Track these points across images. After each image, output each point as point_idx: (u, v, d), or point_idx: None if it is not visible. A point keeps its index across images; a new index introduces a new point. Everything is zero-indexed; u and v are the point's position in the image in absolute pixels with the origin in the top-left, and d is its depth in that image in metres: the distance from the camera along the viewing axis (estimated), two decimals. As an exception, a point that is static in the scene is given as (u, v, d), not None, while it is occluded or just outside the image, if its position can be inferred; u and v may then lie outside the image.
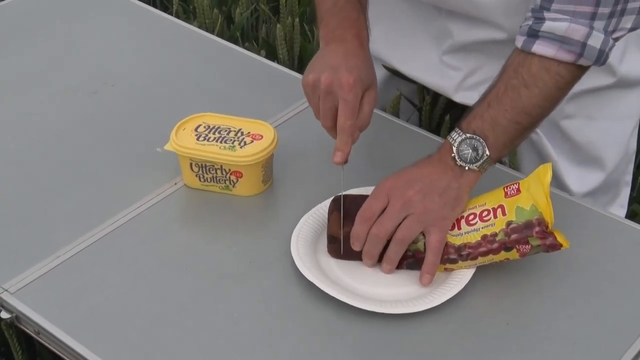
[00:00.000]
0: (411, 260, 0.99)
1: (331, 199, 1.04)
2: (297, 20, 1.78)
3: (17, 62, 1.35)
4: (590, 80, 1.17)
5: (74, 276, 1.01)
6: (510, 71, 0.99)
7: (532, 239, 0.94)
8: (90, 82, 1.30)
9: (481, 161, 0.98)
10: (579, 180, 1.18)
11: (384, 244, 0.98)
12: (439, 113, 1.43)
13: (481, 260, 0.97)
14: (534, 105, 0.98)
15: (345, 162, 1.02)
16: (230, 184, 1.09)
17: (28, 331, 0.98)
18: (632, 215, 1.58)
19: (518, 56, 0.99)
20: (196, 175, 1.10)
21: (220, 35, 1.66)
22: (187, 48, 1.39)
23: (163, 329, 0.95)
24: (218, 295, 0.99)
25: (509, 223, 0.95)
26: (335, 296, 0.96)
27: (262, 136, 1.10)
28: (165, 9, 1.97)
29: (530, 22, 0.98)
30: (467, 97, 1.24)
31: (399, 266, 0.99)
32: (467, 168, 0.98)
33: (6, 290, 0.98)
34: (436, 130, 1.38)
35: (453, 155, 0.98)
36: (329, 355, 0.93)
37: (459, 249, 0.97)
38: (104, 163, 1.16)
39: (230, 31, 1.86)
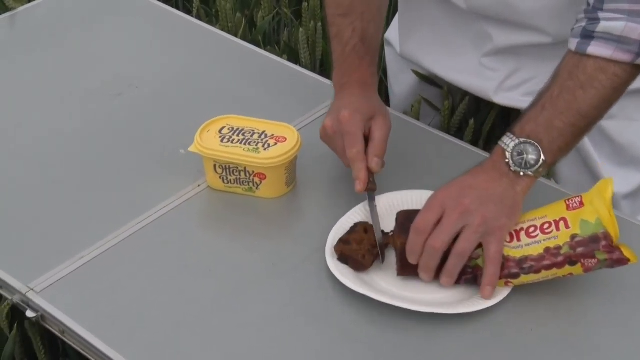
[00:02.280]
0: (470, 276, 0.96)
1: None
2: (319, 24, 1.78)
3: (42, 64, 1.36)
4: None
5: (98, 276, 1.01)
6: (564, 74, 0.97)
7: (599, 252, 0.92)
8: (115, 84, 1.31)
9: (537, 166, 0.96)
10: (620, 181, 1.16)
11: (441, 256, 0.95)
12: (458, 118, 1.43)
13: (544, 275, 0.94)
14: (590, 106, 0.96)
15: (370, 189, 1.05)
16: (253, 185, 1.10)
17: (53, 330, 0.99)
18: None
19: (572, 58, 0.97)
20: (220, 177, 1.10)
21: (243, 38, 1.66)
22: (210, 51, 1.40)
23: (186, 330, 0.95)
24: (241, 298, 0.99)
25: (573, 236, 0.92)
26: (366, 293, 0.95)
27: (285, 138, 1.10)
28: (188, 12, 1.97)
29: (583, 24, 0.97)
30: (507, 98, 1.23)
31: (457, 281, 0.97)
32: (522, 174, 0.96)
33: (32, 290, 0.99)
34: (458, 135, 1.37)
35: (507, 161, 0.96)
36: (353, 359, 0.93)
37: (520, 262, 0.94)
38: (128, 165, 1.17)
39: (253, 35, 1.86)
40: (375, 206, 1.05)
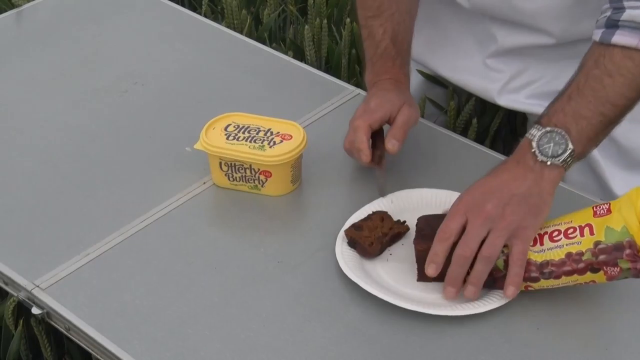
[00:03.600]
0: (489, 278, 0.95)
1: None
2: (325, 21, 1.78)
3: (47, 62, 1.36)
4: None
5: (104, 274, 1.01)
6: (590, 63, 0.96)
7: (622, 261, 0.90)
8: (120, 82, 1.31)
9: (564, 155, 0.93)
10: (625, 184, 1.16)
11: (470, 264, 0.93)
12: (464, 119, 1.43)
13: (565, 281, 0.93)
14: (619, 94, 0.94)
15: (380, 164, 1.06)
16: (259, 183, 1.10)
17: (58, 327, 0.99)
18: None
19: (597, 48, 0.96)
20: (225, 175, 1.10)
21: (248, 36, 1.66)
22: (216, 48, 1.40)
23: (191, 327, 0.95)
24: (246, 295, 0.99)
25: (597, 243, 0.90)
26: (376, 294, 0.95)
27: (291, 136, 1.10)
28: (194, 9, 1.98)
29: (608, 13, 0.96)
30: (511, 100, 1.23)
31: None
32: (549, 163, 0.93)
33: (37, 287, 0.99)
34: (463, 135, 1.37)
35: (533, 150, 0.93)
36: (359, 357, 0.93)
37: (541, 266, 0.93)
38: (133, 162, 1.17)
39: (258, 32, 1.86)
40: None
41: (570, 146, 0.93)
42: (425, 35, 1.26)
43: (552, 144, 0.93)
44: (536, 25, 1.14)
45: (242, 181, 1.10)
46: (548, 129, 0.93)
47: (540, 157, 0.93)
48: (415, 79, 1.36)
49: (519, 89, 1.22)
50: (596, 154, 1.20)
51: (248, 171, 1.09)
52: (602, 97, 0.94)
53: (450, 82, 1.30)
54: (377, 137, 1.11)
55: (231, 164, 1.09)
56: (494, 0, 1.14)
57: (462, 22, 1.22)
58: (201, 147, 1.10)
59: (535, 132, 0.94)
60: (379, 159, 1.09)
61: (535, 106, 1.21)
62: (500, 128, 1.52)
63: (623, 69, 0.94)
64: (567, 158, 0.93)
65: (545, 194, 0.94)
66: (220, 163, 1.10)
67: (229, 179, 1.11)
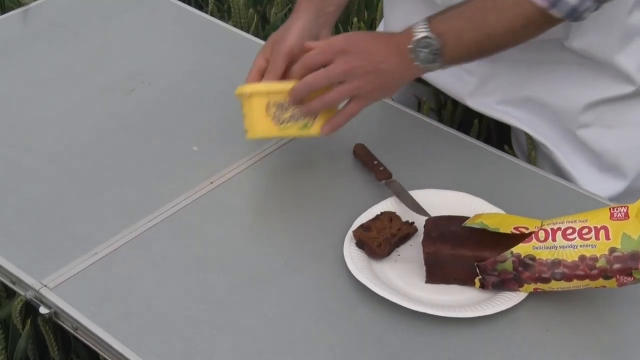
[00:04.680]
0: (496, 280, 0.95)
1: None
2: (331, 20, 1.77)
3: (54, 60, 1.36)
4: (609, 89, 1.16)
5: (111, 273, 1.01)
6: None
7: (637, 272, 0.90)
8: (127, 81, 1.31)
9: (430, 64, 1.03)
10: (599, 188, 1.16)
11: (310, 92, 1.03)
12: (458, 119, 1.42)
13: (576, 284, 0.92)
14: (498, 32, 1.03)
15: (387, 177, 1.10)
16: (309, 120, 1.06)
17: (66, 327, 0.99)
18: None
19: None
20: (273, 118, 1.06)
21: (255, 35, 1.66)
22: (223, 47, 1.39)
23: (198, 327, 0.95)
24: (253, 295, 0.99)
25: (612, 250, 0.90)
26: (384, 295, 0.95)
27: None
28: (200, 7, 1.97)
29: None
30: (481, 104, 1.23)
31: (486, 287, 0.96)
32: (415, 63, 1.02)
33: (45, 286, 0.99)
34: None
35: (410, 47, 1.02)
36: (367, 358, 0.93)
37: (552, 265, 0.92)
38: (140, 161, 1.17)
39: (265, 31, 1.86)
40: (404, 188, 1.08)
41: (440, 59, 1.03)
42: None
43: (426, 51, 1.02)
44: None
45: (292, 121, 1.06)
46: (430, 35, 1.02)
47: (411, 55, 1.02)
48: None
49: (489, 93, 1.22)
50: (564, 162, 1.20)
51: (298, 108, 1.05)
52: (485, 30, 1.03)
53: (425, 81, 1.30)
54: (366, 156, 1.12)
55: (281, 104, 1.05)
56: None
57: None
58: (249, 90, 1.06)
59: (419, 30, 1.02)
60: (385, 174, 1.09)
61: (504, 115, 1.22)
62: (490, 131, 1.51)
63: (508, 13, 1.02)
64: (432, 66, 1.03)
65: (400, 82, 1.07)
66: (268, 104, 1.05)
67: (277, 121, 1.06)
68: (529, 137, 1.23)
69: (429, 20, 1.03)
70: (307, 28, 1.10)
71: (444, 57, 1.02)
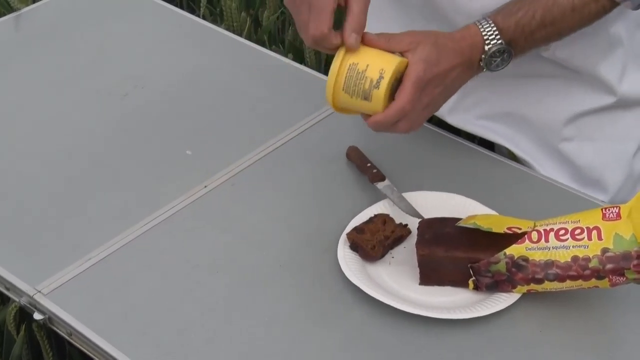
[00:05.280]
0: (490, 281, 0.95)
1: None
2: (324, 23, 1.77)
3: (46, 66, 1.36)
4: (590, 101, 1.16)
5: (106, 278, 1.01)
6: None
7: (629, 272, 0.90)
8: (121, 85, 1.31)
9: (500, 68, 1.01)
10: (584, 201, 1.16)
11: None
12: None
13: (569, 285, 0.92)
14: (570, 29, 1.02)
15: (380, 180, 1.08)
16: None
17: (60, 332, 0.99)
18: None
19: None
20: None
21: (248, 38, 1.66)
22: (215, 50, 1.39)
23: (194, 332, 0.95)
24: (249, 299, 0.99)
25: (604, 250, 0.90)
26: (378, 297, 0.95)
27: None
28: (192, 11, 1.97)
29: None
30: (461, 120, 1.21)
31: (479, 289, 0.96)
32: (484, 70, 1.01)
33: (39, 292, 0.99)
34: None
35: (483, 57, 1.00)
36: None
37: (545, 265, 0.92)
38: (134, 165, 1.17)
39: (258, 34, 1.86)
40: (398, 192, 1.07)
41: (508, 63, 1.01)
42: None
43: (499, 60, 1.00)
44: None
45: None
46: (504, 46, 0.99)
47: (482, 64, 1.00)
48: None
49: (469, 108, 1.20)
50: (550, 173, 1.19)
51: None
52: (557, 28, 1.02)
53: None
54: (359, 159, 1.12)
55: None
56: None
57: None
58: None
59: (493, 41, 0.99)
60: (378, 176, 1.09)
61: (485, 130, 1.21)
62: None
63: (586, 8, 1.01)
64: (499, 69, 1.02)
65: (463, 85, 1.03)
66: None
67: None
68: (510, 153, 1.22)
69: (497, 24, 0.99)
70: None
71: (514, 59, 1.02)
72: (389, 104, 0.97)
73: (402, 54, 0.97)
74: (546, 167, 1.20)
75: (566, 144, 1.19)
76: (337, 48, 0.97)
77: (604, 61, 1.13)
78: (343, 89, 0.96)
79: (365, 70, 0.95)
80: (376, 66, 0.95)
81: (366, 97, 0.96)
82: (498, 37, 0.99)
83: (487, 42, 1.00)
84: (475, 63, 1.01)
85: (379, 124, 0.98)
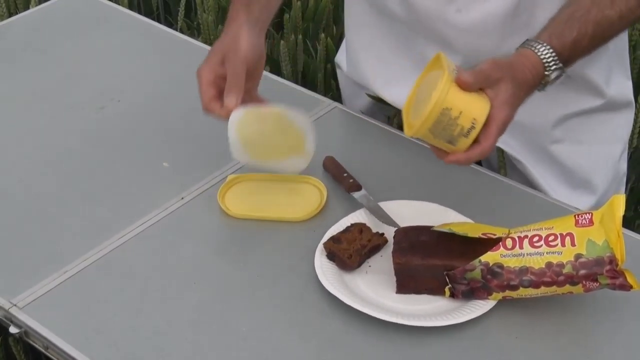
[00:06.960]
0: (466, 289, 0.96)
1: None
2: (300, 37, 1.79)
3: (24, 78, 1.36)
4: (579, 102, 1.17)
5: (82, 291, 1.01)
6: (606, 1, 1.00)
7: (602, 277, 0.91)
8: (97, 98, 1.31)
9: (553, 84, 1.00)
10: (573, 203, 1.17)
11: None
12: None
13: (544, 291, 0.93)
14: (614, 36, 1.03)
15: (356, 189, 1.08)
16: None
17: (37, 346, 0.98)
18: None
19: None
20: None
21: (225, 51, 1.66)
22: (192, 63, 1.38)
23: (171, 344, 0.95)
24: (226, 310, 0.99)
25: (578, 256, 0.91)
26: (355, 306, 0.95)
27: None
28: (170, 25, 1.98)
29: None
30: None
31: (456, 296, 0.97)
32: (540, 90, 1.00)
33: (15, 305, 0.98)
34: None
35: (543, 82, 0.99)
36: (338, 368, 0.93)
37: (520, 272, 0.93)
38: (110, 178, 1.17)
39: (234, 47, 1.86)
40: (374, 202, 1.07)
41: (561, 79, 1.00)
42: (365, 59, 1.25)
43: (558, 81, 0.99)
44: (466, 48, 1.13)
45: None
46: (564, 72, 0.99)
47: (540, 87, 0.99)
48: (365, 100, 1.33)
49: None
50: (535, 176, 1.20)
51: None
52: (606, 38, 1.02)
53: (392, 105, 1.29)
54: (336, 169, 1.12)
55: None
56: (430, 9, 1.12)
57: (399, 45, 1.21)
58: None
59: (554, 68, 0.98)
60: (354, 186, 1.10)
61: None
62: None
63: (632, 15, 1.01)
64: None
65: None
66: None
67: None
68: (500, 154, 1.23)
69: (554, 48, 0.98)
70: (251, 35, 1.07)
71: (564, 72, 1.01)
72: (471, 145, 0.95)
73: (482, 89, 0.96)
74: (537, 169, 1.21)
75: (556, 146, 1.20)
76: (229, 113, 1.04)
77: (591, 64, 1.14)
78: (429, 130, 0.94)
79: (458, 117, 0.93)
80: (469, 115, 0.93)
81: (451, 141, 0.95)
82: (557, 61, 0.98)
83: (547, 68, 0.98)
84: (535, 88, 1.00)
85: (459, 163, 0.97)
